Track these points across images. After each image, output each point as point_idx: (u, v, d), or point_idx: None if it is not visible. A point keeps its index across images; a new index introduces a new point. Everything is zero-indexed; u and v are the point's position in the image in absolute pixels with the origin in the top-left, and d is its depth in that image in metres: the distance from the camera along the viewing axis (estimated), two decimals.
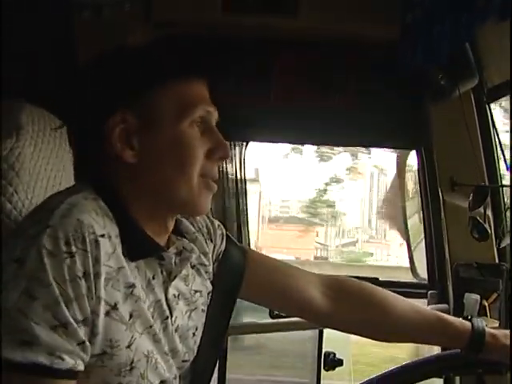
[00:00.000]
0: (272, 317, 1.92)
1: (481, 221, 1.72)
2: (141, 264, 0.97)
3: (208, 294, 1.15)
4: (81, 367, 0.88)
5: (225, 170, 2.08)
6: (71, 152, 1.17)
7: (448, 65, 1.73)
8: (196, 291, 1.11)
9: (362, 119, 1.95)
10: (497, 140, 1.85)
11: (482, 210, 1.73)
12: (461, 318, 1.30)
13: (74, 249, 0.86)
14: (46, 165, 1.13)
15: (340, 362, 1.95)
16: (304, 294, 1.27)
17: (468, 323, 1.28)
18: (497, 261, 1.86)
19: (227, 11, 1.81)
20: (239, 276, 1.20)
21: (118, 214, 0.94)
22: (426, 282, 2.01)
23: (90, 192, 0.95)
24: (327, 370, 1.95)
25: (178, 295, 1.05)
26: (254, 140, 2.13)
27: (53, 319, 0.85)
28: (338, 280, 1.32)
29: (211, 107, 1.01)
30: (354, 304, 1.29)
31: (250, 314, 2.03)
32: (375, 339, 1.36)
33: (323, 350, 1.99)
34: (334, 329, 1.38)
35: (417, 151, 1.99)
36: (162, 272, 1.01)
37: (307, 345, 2.08)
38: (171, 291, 1.03)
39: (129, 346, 0.93)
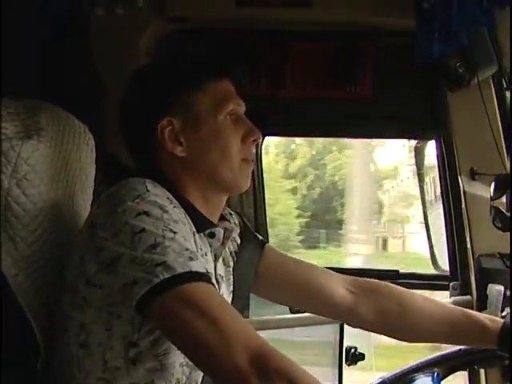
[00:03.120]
0: (292, 312, 1.91)
1: (503, 210, 1.69)
2: (197, 239, 1.09)
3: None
4: None
5: None
6: (90, 150, 1.19)
7: (466, 52, 1.70)
8: (232, 274, 1.22)
9: (378, 109, 1.92)
10: None
11: (504, 199, 1.70)
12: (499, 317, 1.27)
13: (171, 204, 1.03)
14: (65, 165, 1.14)
15: (362, 357, 1.93)
16: (326, 289, 1.29)
17: (499, 320, 1.26)
18: None
19: (241, 5, 1.80)
20: (254, 264, 1.27)
21: (177, 198, 1.08)
22: (447, 274, 1.98)
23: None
24: (349, 365, 1.94)
25: (222, 277, 1.18)
26: (269, 134, 2.11)
27: (191, 246, 0.99)
28: (359, 279, 1.34)
29: (239, 100, 1.17)
30: (376, 300, 1.30)
31: (270, 308, 2.02)
32: (401, 339, 1.34)
33: (344, 345, 1.97)
34: (356, 326, 1.36)
35: (436, 141, 1.96)
36: (211, 251, 1.14)
37: (328, 339, 2.06)
38: (218, 270, 1.16)
39: None
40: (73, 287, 1.02)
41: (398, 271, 2.02)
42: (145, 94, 1.14)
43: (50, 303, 1.09)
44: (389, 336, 1.33)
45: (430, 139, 2.01)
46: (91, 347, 1.00)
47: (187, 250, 0.97)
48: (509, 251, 1.80)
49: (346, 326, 1.96)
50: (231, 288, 1.21)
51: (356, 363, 1.91)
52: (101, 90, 1.83)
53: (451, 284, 1.93)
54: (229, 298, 1.19)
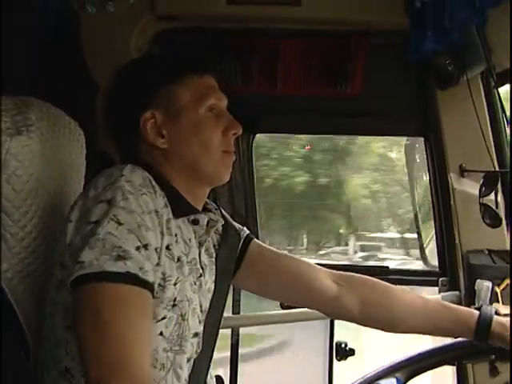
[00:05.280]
0: (283, 307, 1.91)
1: (493, 207, 1.70)
2: (181, 224, 1.12)
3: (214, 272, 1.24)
4: (155, 286, 1.00)
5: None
6: (81, 145, 1.21)
7: (455, 50, 1.70)
8: (215, 265, 1.22)
9: (369, 107, 1.94)
10: (506, 125, 1.82)
11: (492, 196, 1.71)
12: (473, 306, 1.30)
13: (144, 190, 1.04)
14: (55, 161, 1.15)
15: (352, 352, 1.94)
16: (312, 281, 1.32)
17: (476, 312, 1.28)
18: (508, 247, 1.84)
19: (232, 3, 1.80)
20: (233, 258, 1.29)
21: (160, 183, 1.10)
22: (436, 270, 2.00)
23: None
24: (339, 360, 1.95)
25: (206, 265, 1.19)
26: (261, 131, 2.12)
27: (136, 241, 0.99)
28: (345, 273, 1.37)
29: (221, 95, 1.19)
30: (361, 293, 1.34)
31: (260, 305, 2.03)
32: (384, 330, 1.37)
33: (335, 340, 1.98)
34: (343, 319, 1.39)
35: (425, 138, 1.97)
36: (195, 237, 1.16)
37: (319, 335, 2.07)
38: (202, 257, 1.18)
39: (175, 284, 1.06)
40: (55, 272, 1.05)
41: (387, 267, 2.04)
42: (128, 86, 1.17)
43: (40, 300, 1.09)
44: (373, 327, 1.36)
45: (420, 136, 2.03)
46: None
47: (120, 247, 0.97)
48: (497, 248, 1.83)
49: (336, 322, 1.99)
50: (213, 277, 1.22)
51: (346, 358, 1.92)
52: (93, 87, 1.83)
53: (440, 280, 1.94)
54: (212, 286, 1.21)
